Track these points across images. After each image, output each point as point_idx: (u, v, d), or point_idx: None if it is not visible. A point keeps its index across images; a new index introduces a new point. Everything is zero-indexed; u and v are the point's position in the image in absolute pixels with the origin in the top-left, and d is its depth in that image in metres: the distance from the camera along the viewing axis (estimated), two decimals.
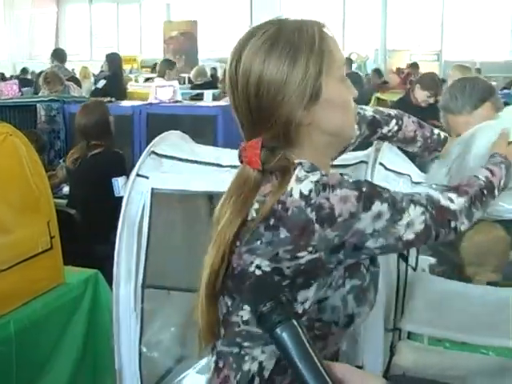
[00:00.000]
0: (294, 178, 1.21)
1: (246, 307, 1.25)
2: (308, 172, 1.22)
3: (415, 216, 1.24)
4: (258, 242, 1.21)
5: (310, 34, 1.24)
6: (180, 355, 2.57)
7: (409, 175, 1.82)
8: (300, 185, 1.20)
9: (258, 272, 1.22)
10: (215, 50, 20.10)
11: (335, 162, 1.94)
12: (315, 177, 1.20)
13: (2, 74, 11.57)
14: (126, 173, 3.66)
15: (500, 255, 2.89)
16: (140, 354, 2.13)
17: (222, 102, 5.65)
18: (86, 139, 4.04)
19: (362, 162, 1.90)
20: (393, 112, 1.82)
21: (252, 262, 1.22)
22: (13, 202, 2.70)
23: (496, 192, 1.47)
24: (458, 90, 2.23)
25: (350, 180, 1.22)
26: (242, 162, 1.30)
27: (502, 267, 2.93)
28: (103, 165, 3.95)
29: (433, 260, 2.71)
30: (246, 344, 1.29)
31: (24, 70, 14.97)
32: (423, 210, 1.26)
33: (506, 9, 19.62)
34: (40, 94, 6.74)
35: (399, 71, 13.90)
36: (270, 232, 1.20)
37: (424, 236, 1.27)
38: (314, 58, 1.23)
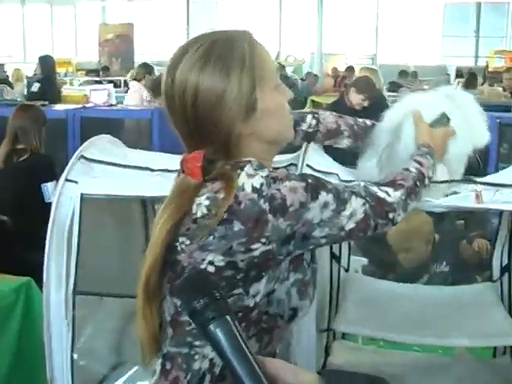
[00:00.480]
0: (243, 174, 1.25)
1: None
2: (257, 169, 1.26)
3: (357, 207, 1.30)
4: (211, 238, 1.23)
5: (240, 49, 1.28)
6: (115, 362, 2.53)
7: (336, 174, 1.84)
8: (251, 179, 1.24)
9: (210, 268, 1.23)
10: (152, 53, 19.98)
11: None
12: (264, 173, 1.25)
13: None
14: (56, 177, 3.59)
15: (425, 238, 2.98)
16: (72, 362, 2.09)
17: (157, 105, 5.60)
18: (14, 142, 3.94)
19: (291, 164, 1.92)
20: (306, 110, 1.86)
21: (204, 259, 1.24)
22: None
23: (426, 181, 1.52)
24: None
25: (296, 173, 1.32)
26: (183, 171, 1.32)
27: (428, 249, 3.03)
28: (33, 169, 3.86)
29: (365, 261, 2.76)
30: (197, 343, 1.29)
31: None
32: (364, 202, 1.32)
33: (437, 15, 20.21)
34: None
35: (335, 72, 14.11)
36: (223, 226, 1.23)
37: (364, 225, 1.32)
38: (246, 72, 1.27)
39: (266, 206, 1.22)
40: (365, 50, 19.87)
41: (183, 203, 1.28)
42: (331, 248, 2.37)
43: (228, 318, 0.95)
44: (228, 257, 1.23)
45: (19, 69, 11.66)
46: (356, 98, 5.36)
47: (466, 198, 1.81)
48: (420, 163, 1.54)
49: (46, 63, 8.18)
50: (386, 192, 1.38)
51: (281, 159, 1.93)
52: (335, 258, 2.37)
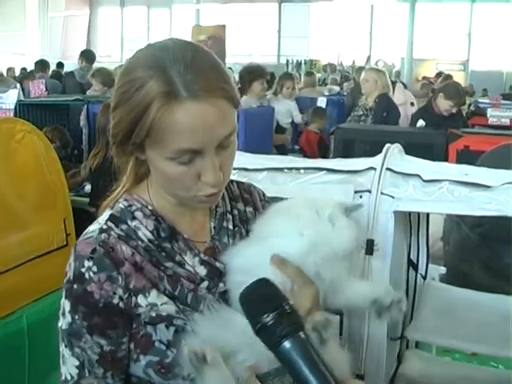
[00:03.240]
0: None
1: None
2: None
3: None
4: None
5: (145, 99, 1.08)
6: None
7: (418, 175, 1.80)
8: None
9: None
10: (243, 54, 20.23)
11: (345, 168, 1.95)
12: None
13: (25, 69, 11.56)
14: None
15: None
16: None
17: (243, 106, 5.66)
18: (106, 138, 4.07)
19: (370, 168, 1.90)
20: None
21: None
22: (29, 199, 2.75)
23: None
24: None
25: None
26: None
27: None
28: None
29: (443, 269, 2.68)
30: None
31: (60, 65, 14.70)
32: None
33: None
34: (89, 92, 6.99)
35: (425, 80, 13.87)
36: None
37: None
38: (130, 113, 1.11)
39: None
40: (456, 55, 19.40)
41: None
42: (409, 255, 2.33)
43: (301, 334, 0.87)
44: None
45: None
46: (444, 104, 5.25)
47: None
48: None
49: None
50: None
51: (359, 162, 1.91)
52: (413, 265, 2.32)
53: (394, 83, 6.94)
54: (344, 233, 1.21)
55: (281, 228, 1.22)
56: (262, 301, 0.89)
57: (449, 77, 13.02)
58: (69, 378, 1.20)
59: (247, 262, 1.20)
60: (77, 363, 1.18)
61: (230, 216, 1.32)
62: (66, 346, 1.19)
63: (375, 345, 1.89)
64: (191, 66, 1.09)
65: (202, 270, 1.23)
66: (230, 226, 1.31)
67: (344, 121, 6.50)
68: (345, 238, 1.21)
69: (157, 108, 1.07)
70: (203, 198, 1.18)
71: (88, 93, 7.14)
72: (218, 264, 1.24)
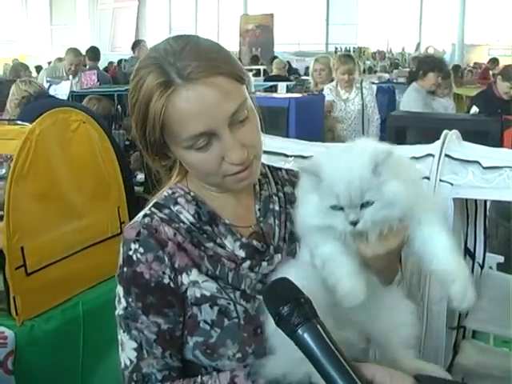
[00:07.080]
0: None
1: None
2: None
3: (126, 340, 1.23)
4: None
5: (147, 91, 1.14)
6: None
7: (477, 161, 1.77)
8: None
9: None
10: (291, 43, 20.15)
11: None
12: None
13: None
14: None
15: None
16: None
17: (294, 94, 5.64)
18: None
19: (428, 154, 1.87)
20: None
21: None
22: (85, 188, 2.78)
23: None
24: None
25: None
26: None
27: None
28: None
29: (501, 258, 2.62)
30: None
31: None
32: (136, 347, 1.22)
33: None
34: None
35: (476, 66, 13.59)
36: None
37: None
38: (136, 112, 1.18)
39: None
40: (510, 40, 18.89)
41: None
42: (466, 243, 2.29)
43: (314, 321, 0.93)
44: None
45: None
46: (503, 86, 5.22)
47: None
48: None
49: None
50: None
51: (417, 149, 1.89)
52: (470, 253, 2.28)
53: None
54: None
55: None
56: (280, 296, 0.96)
57: (494, 60, 12.81)
58: (128, 363, 1.22)
59: None
60: (135, 345, 1.21)
61: (275, 198, 1.36)
62: (123, 331, 1.22)
63: (433, 334, 1.88)
64: (180, 54, 1.13)
65: (241, 253, 1.26)
66: (276, 208, 1.35)
67: (394, 108, 6.39)
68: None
69: (156, 100, 1.12)
70: (233, 178, 1.20)
71: None
72: (255, 242, 1.27)
